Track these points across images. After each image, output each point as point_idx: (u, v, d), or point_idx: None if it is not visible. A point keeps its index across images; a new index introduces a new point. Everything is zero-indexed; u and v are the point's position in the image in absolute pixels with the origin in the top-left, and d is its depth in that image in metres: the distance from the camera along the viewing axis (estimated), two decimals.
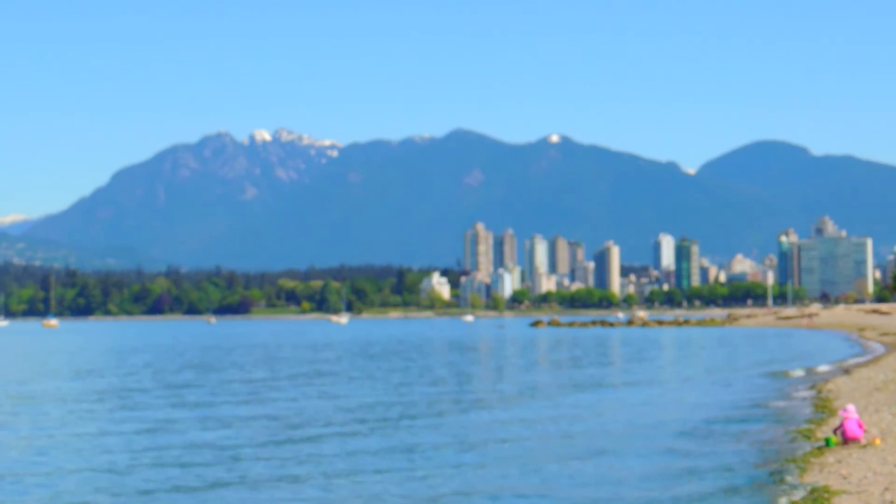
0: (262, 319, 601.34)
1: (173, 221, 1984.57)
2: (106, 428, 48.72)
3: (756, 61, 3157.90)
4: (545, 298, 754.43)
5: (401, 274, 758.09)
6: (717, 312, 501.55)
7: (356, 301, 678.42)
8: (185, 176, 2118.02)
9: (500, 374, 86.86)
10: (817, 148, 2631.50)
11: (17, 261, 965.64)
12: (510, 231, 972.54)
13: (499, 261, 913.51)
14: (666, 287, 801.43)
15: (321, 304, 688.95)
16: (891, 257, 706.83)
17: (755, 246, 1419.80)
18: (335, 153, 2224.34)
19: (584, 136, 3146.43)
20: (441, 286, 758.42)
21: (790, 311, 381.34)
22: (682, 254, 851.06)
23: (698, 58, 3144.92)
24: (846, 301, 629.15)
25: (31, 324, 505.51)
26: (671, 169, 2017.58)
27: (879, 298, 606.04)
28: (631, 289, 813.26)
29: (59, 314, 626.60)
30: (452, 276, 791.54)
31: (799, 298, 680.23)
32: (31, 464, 38.00)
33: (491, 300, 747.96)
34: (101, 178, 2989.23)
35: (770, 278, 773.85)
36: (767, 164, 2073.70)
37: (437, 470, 35.87)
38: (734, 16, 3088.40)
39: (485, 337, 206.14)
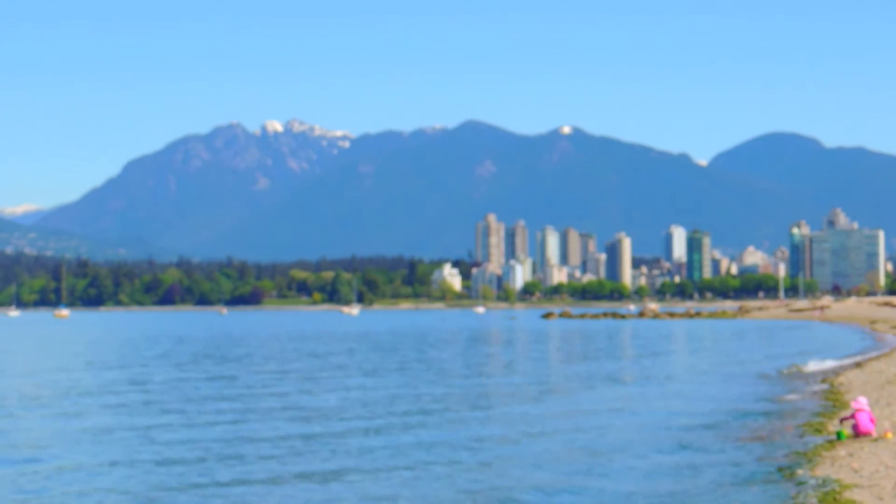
0: (274, 310, 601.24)
1: (185, 212, 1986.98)
2: (150, 423, 48.82)
3: (768, 52, 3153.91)
4: (556, 290, 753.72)
5: (412, 265, 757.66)
6: (729, 305, 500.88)
7: (367, 292, 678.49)
8: (196, 166, 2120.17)
9: (512, 369, 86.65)
10: (829, 140, 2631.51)
11: (28, 251, 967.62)
12: (521, 222, 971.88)
13: (510, 252, 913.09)
14: (677, 279, 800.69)
15: (332, 295, 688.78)
16: None
17: (767, 238, 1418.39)
18: (347, 144, 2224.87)
19: (595, 128, 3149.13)
20: (452, 277, 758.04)
21: (802, 303, 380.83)
22: (693, 245, 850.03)
23: (710, 49, 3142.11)
24: (858, 293, 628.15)
25: (42, 314, 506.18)
26: (683, 160, 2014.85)
27: (891, 291, 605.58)
28: (642, 280, 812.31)
29: (70, 304, 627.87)
30: (464, 268, 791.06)
31: (810, 291, 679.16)
32: (88, 456, 38.16)
33: (502, 292, 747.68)
34: (113, 168, 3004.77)
35: (782, 270, 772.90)
36: (779, 155, 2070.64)
37: (455, 468, 35.89)
38: (746, 7, 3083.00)
39: (497, 329, 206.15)
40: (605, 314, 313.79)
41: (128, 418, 49.36)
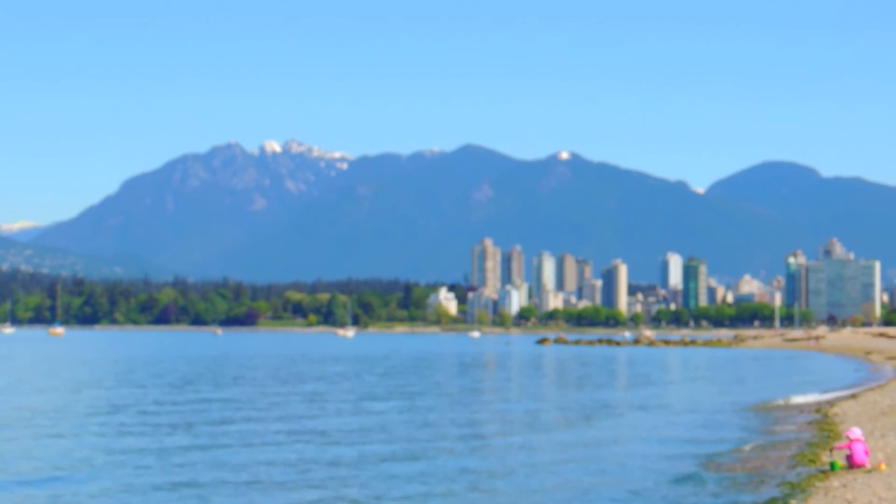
0: (269, 331, 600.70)
1: (182, 231, 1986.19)
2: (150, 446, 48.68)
3: (767, 81, 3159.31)
4: (552, 316, 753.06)
5: (408, 288, 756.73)
6: (724, 333, 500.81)
7: (363, 315, 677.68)
8: (194, 186, 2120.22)
9: (505, 398, 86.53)
10: (826, 169, 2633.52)
11: (24, 268, 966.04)
12: (518, 247, 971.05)
13: (506, 277, 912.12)
14: (673, 306, 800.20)
15: (328, 317, 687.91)
16: None
17: (763, 267, 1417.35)
18: (345, 166, 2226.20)
19: (593, 154, 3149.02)
20: (448, 301, 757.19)
21: (797, 333, 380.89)
22: (689, 273, 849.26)
23: (709, 78, 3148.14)
24: (853, 324, 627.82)
25: (36, 331, 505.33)
26: (680, 188, 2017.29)
27: (887, 322, 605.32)
28: (638, 307, 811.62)
29: (65, 322, 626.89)
30: (459, 292, 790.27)
31: (806, 320, 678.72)
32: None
33: (498, 316, 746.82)
34: (111, 186, 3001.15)
35: (777, 299, 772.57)
36: (777, 184, 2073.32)
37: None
38: (746, 38, 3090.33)
39: (491, 354, 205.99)
40: (600, 341, 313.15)
41: (143, 441, 49.25)
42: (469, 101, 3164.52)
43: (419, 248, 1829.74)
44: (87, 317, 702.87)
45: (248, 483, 37.02)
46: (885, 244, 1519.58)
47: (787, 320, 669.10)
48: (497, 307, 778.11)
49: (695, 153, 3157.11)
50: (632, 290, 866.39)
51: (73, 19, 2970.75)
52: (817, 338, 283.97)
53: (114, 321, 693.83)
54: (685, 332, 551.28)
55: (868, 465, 36.85)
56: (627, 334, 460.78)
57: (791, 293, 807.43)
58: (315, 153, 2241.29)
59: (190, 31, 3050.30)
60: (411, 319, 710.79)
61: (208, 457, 42.97)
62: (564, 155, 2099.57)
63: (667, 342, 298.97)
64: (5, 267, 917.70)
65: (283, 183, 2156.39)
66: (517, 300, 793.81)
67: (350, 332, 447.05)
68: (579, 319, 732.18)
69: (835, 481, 34.64)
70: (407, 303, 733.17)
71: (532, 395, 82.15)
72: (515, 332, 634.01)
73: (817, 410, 64.53)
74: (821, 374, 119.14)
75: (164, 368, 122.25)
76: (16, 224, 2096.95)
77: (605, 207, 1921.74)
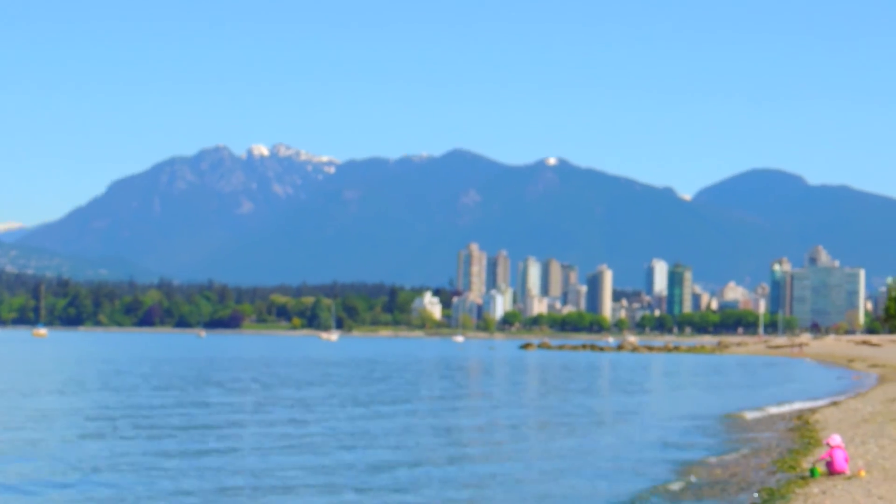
0: (253, 334, 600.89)
1: (168, 233, 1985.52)
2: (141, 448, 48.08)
3: (754, 90, 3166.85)
4: (536, 321, 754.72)
5: (393, 292, 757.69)
6: (708, 340, 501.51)
7: (347, 318, 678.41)
8: (181, 188, 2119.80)
9: (486, 404, 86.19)
10: (813, 177, 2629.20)
11: (9, 269, 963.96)
12: (504, 252, 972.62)
13: (492, 282, 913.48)
14: (657, 313, 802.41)
15: (312, 320, 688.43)
16: (883, 289, 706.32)
17: (748, 274, 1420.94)
18: (332, 169, 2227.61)
19: (581, 160, 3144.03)
20: (433, 306, 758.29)
21: (780, 340, 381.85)
22: (674, 280, 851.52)
23: (697, 85, 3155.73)
24: (836, 331, 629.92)
25: (20, 332, 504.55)
26: (667, 194, 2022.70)
27: (870, 330, 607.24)
28: (622, 313, 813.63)
29: (49, 323, 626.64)
30: (444, 296, 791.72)
31: (790, 328, 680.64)
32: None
33: (482, 321, 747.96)
34: (98, 188, 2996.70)
35: (762, 306, 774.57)
36: (763, 192, 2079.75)
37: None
38: (734, 45, 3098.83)
39: (475, 359, 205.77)
40: (583, 346, 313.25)
41: (129, 446, 48.66)
42: (457, 107, 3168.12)
43: (405, 252, 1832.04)
44: (72, 318, 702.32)
45: (220, 490, 36.29)
46: (870, 252, 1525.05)
47: (771, 327, 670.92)
48: (482, 312, 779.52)
49: (682, 160, 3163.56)
50: (616, 296, 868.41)
51: (61, 20, 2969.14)
52: (800, 345, 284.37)
53: (98, 323, 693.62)
54: (669, 339, 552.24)
55: (848, 472, 36.57)
56: (611, 340, 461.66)
57: (776, 300, 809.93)
58: (303, 157, 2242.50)
59: (180, 34, 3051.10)
60: (395, 323, 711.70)
61: (183, 463, 42.18)
62: (552, 161, 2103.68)
63: (650, 348, 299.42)
64: None
65: (271, 186, 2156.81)
66: (502, 305, 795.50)
67: (334, 336, 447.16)
68: (563, 325, 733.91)
69: (814, 488, 34.33)
70: (391, 307, 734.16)
71: (511, 403, 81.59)
72: (499, 337, 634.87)
73: (799, 417, 64.31)
74: (803, 382, 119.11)
75: (143, 372, 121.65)
76: (2, 225, 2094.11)
77: (591, 213, 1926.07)
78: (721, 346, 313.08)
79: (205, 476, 38.36)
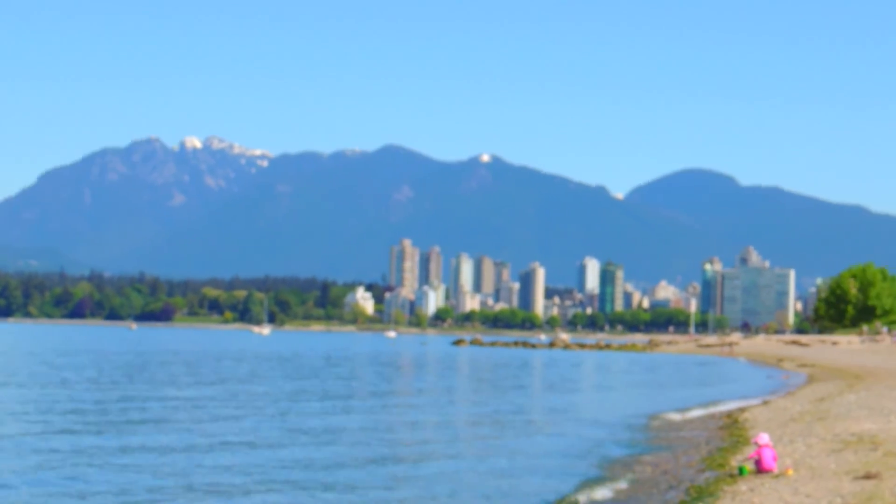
0: (184, 328, 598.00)
1: (99, 225, 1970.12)
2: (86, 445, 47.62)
3: (687, 90, 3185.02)
4: (468, 317, 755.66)
5: (325, 287, 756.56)
6: (639, 338, 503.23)
7: (279, 313, 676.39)
8: (112, 180, 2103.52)
9: (416, 402, 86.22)
10: (745, 178, 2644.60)
11: None
12: (436, 249, 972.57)
13: (424, 278, 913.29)
14: (589, 311, 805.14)
15: (244, 314, 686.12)
16: (812, 289, 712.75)
17: (680, 273, 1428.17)
18: (265, 163, 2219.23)
19: (515, 157, 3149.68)
20: (365, 301, 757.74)
21: (711, 339, 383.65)
22: (606, 278, 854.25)
23: (630, 84, 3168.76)
24: (766, 331, 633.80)
25: None
26: (600, 193, 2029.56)
27: (799, 330, 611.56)
28: (555, 311, 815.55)
29: None
30: (377, 292, 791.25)
31: (720, 327, 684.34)
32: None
33: (414, 317, 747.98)
34: (28, 178, 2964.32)
35: (693, 306, 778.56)
36: (695, 191, 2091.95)
37: None
38: (667, 45, 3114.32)
39: (407, 355, 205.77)
40: (516, 343, 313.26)
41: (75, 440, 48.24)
42: (391, 102, 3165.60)
43: (338, 247, 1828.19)
44: (1, 309, 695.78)
45: (153, 489, 35.97)
46: (800, 253, 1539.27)
47: (702, 326, 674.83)
48: (414, 308, 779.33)
49: (615, 159, 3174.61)
50: (549, 294, 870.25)
51: None
52: (731, 344, 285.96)
53: (28, 314, 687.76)
54: (601, 336, 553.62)
55: (776, 471, 36.80)
56: (543, 337, 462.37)
57: (706, 300, 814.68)
58: (236, 150, 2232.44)
59: (112, 25, 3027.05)
60: (328, 318, 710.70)
61: (113, 460, 41.87)
62: (485, 157, 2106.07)
63: (582, 346, 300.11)
64: None
65: (203, 179, 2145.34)
66: (434, 301, 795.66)
67: (266, 330, 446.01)
68: (496, 321, 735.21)
69: (743, 486, 34.51)
70: (324, 301, 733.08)
71: (443, 402, 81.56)
72: (432, 333, 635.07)
73: (728, 416, 64.65)
74: (734, 381, 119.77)
75: (71, 363, 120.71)
76: None
77: (524, 211, 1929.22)
78: (652, 345, 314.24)
79: (125, 474, 38.12)
